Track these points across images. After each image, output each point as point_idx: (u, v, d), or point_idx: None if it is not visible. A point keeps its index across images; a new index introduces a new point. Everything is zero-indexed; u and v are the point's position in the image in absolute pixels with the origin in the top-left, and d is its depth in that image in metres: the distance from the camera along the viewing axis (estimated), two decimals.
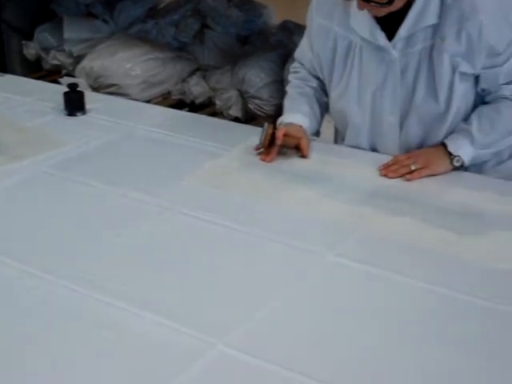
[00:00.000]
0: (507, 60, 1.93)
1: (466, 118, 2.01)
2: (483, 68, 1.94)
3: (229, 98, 4.22)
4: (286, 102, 2.24)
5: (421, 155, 2.00)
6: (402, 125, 2.06)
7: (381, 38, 1.97)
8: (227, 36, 4.65)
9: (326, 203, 1.86)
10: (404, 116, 2.04)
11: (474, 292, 1.50)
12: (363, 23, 1.98)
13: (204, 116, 2.38)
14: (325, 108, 2.23)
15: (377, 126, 2.10)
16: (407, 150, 2.07)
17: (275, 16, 5.01)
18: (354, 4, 1.91)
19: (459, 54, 1.92)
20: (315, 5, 2.10)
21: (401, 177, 1.97)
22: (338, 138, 2.31)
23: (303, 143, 2.08)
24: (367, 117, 2.09)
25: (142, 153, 2.17)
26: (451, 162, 1.98)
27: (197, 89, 4.37)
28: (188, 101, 4.40)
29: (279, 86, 4.11)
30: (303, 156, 2.08)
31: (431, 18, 1.91)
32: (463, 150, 1.98)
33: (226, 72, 4.31)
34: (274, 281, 1.55)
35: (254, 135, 2.11)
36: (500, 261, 1.62)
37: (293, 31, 4.54)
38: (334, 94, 2.13)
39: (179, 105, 4.37)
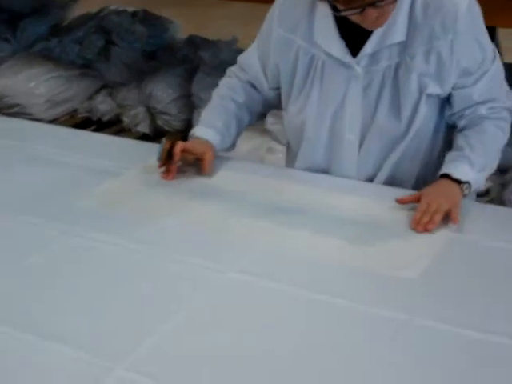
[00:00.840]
0: (479, 79, 1.90)
1: (424, 141, 1.97)
2: (454, 89, 1.91)
3: (136, 115, 4.19)
4: (205, 112, 2.18)
5: (438, 196, 1.82)
6: (361, 143, 1.99)
7: (345, 53, 1.91)
8: (133, 52, 4.62)
9: (225, 220, 1.85)
10: (364, 134, 1.98)
11: (377, 302, 1.51)
12: (327, 38, 1.92)
13: (105, 135, 2.35)
14: (244, 125, 2.18)
15: (335, 145, 2.02)
16: (363, 170, 2.02)
17: (181, 31, 5.00)
18: (319, 17, 1.89)
19: (428, 75, 1.88)
20: (277, 16, 2.00)
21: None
22: (289, 157, 2.22)
23: (205, 159, 2.04)
24: (325, 134, 2.02)
25: (39, 175, 2.12)
26: (461, 191, 1.87)
27: (103, 106, 4.32)
28: (95, 118, 4.35)
29: (187, 100, 4.11)
30: (203, 173, 2.05)
31: (398, 36, 1.86)
32: (470, 176, 1.87)
33: (133, 88, 4.28)
34: (174, 298, 1.54)
35: (152, 156, 2.07)
36: (397, 269, 1.64)
37: (199, 46, 4.55)
38: (292, 109, 2.05)
39: (86, 123, 4.33)
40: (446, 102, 1.96)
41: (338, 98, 1.96)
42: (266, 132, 3.72)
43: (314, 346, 1.40)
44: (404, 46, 1.87)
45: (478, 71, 1.90)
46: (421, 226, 1.78)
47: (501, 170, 3.33)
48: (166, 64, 4.42)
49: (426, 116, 1.93)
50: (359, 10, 1.74)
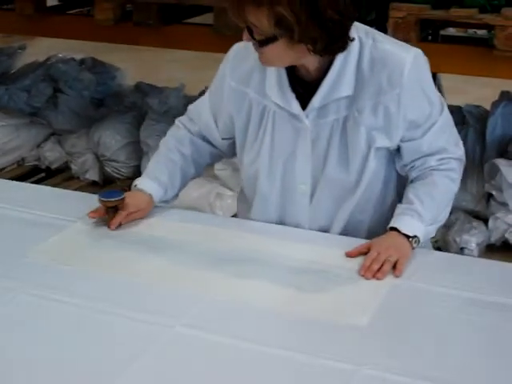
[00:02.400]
0: (427, 131, 1.93)
1: (375, 192, 1.99)
2: (403, 141, 1.93)
3: (85, 162, 4.18)
4: (150, 163, 2.20)
5: (388, 246, 1.86)
6: (312, 194, 2.01)
7: (294, 105, 1.92)
8: (81, 99, 4.62)
9: (174, 272, 1.85)
10: (315, 186, 1.99)
11: (325, 352, 1.52)
12: (278, 89, 1.93)
13: (49, 187, 2.33)
14: (189, 178, 2.20)
15: (287, 195, 2.04)
16: (316, 221, 2.03)
17: (129, 77, 5.03)
18: (270, 69, 1.91)
19: (376, 128, 1.90)
20: (229, 68, 2.02)
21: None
22: (242, 206, 2.21)
23: (136, 214, 2.07)
24: (277, 186, 2.03)
25: None
26: (410, 244, 1.89)
27: (52, 154, 4.31)
28: (43, 166, 4.33)
29: (136, 147, 4.12)
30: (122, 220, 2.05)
31: (346, 90, 1.87)
32: (418, 230, 1.90)
33: (82, 135, 4.28)
34: (122, 355, 1.52)
35: (99, 205, 2.07)
36: (346, 316, 1.65)
37: (147, 92, 4.57)
38: (246, 160, 2.07)
39: (34, 171, 4.30)
40: (396, 153, 1.99)
41: (289, 148, 1.98)
42: (214, 178, 3.74)
43: None
44: (352, 100, 1.89)
45: (425, 123, 1.92)
46: (370, 272, 1.80)
47: None
48: (114, 111, 4.43)
49: (375, 168, 1.95)
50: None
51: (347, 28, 1.81)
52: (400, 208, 1.95)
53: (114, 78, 4.92)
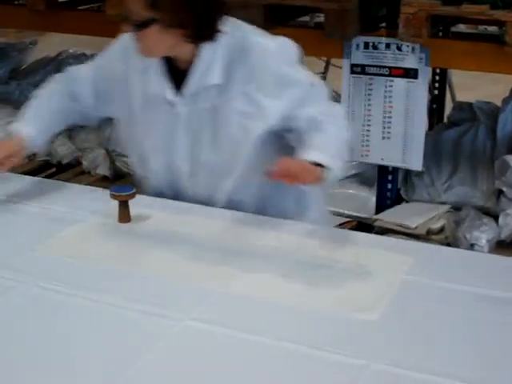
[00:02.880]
0: (301, 108, 2.04)
1: (253, 173, 2.10)
2: (282, 121, 2.05)
3: (96, 157, 4.19)
4: (25, 110, 2.26)
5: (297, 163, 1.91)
6: (192, 171, 2.16)
7: (169, 92, 2.07)
8: None
9: (185, 265, 1.86)
10: (193, 164, 2.14)
11: (335, 347, 1.52)
12: (153, 74, 2.08)
13: (60, 182, 2.34)
14: (60, 128, 2.33)
15: (174, 172, 2.19)
16: (199, 196, 2.18)
17: None
18: (151, 60, 2.05)
19: (248, 115, 2.03)
20: (120, 52, 2.16)
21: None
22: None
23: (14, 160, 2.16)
24: (164, 165, 2.18)
25: None
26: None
27: (63, 149, 4.31)
28: (54, 161, 4.32)
29: None
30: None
31: (214, 79, 2.02)
32: (323, 159, 1.91)
33: (92, 131, 4.27)
34: (131, 349, 1.53)
35: (110, 200, 2.08)
36: (357, 311, 1.66)
37: None
38: (132, 141, 2.23)
39: (45, 166, 4.30)
40: (278, 132, 2.08)
41: (168, 134, 2.13)
42: None
43: None
44: (222, 89, 2.03)
45: (298, 102, 2.04)
46: (277, 175, 1.83)
47: (455, 208, 3.39)
48: None
49: (251, 151, 2.08)
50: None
51: (216, 17, 1.98)
52: (300, 153, 1.95)
53: None
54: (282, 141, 2.11)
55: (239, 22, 2.07)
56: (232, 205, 2.16)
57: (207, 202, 2.18)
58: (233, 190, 2.16)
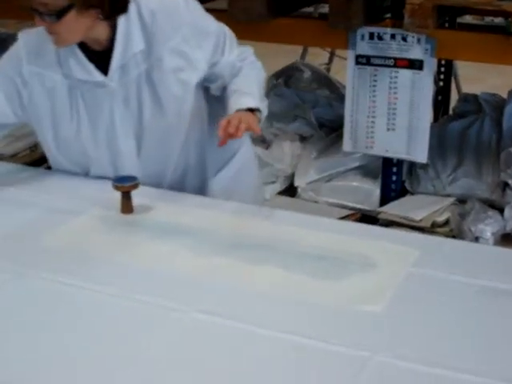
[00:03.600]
0: (222, 52, 2.19)
1: (198, 129, 2.24)
2: (209, 68, 2.17)
3: None
4: None
5: (236, 115, 2.06)
6: (139, 147, 2.18)
7: (96, 74, 2.08)
8: None
9: (187, 256, 1.85)
10: (140, 138, 2.16)
11: (338, 338, 1.51)
12: (75, 64, 2.08)
13: (63, 173, 2.32)
14: None
15: (117, 154, 2.19)
16: (148, 171, 2.19)
17: None
18: (64, 49, 2.06)
19: (180, 69, 2.11)
20: (25, 53, 2.12)
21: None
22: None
23: None
24: (104, 149, 2.18)
25: (2, 215, 2.09)
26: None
27: None
28: None
29: None
30: None
31: (137, 45, 2.06)
32: (253, 103, 2.11)
33: None
34: (136, 341, 1.52)
35: (113, 191, 2.06)
36: (361, 303, 1.64)
37: None
38: (65, 137, 2.19)
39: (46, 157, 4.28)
40: (207, 81, 2.20)
41: (106, 115, 2.13)
42: None
43: None
44: (148, 53, 2.07)
45: (218, 48, 2.17)
46: (224, 132, 1.98)
47: (460, 200, 3.38)
48: None
49: (195, 106, 2.17)
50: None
51: None
52: (231, 100, 2.13)
53: None
54: (209, 94, 2.24)
55: None
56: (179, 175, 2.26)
57: (156, 180, 2.22)
58: (179, 162, 2.24)
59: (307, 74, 4.34)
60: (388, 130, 3.21)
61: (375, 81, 3.15)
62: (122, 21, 2.04)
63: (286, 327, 1.55)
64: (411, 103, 3.12)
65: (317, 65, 4.70)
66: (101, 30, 2.03)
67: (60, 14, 1.91)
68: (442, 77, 4.35)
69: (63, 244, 1.91)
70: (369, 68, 3.14)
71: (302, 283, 1.73)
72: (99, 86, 2.09)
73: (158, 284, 1.73)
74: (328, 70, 5.08)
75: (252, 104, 2.09)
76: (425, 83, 3.07)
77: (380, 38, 3.05)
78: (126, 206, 2.05)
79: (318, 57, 5.23)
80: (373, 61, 3.12)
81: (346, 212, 3.43)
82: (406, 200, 3.42)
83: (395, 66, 3.09)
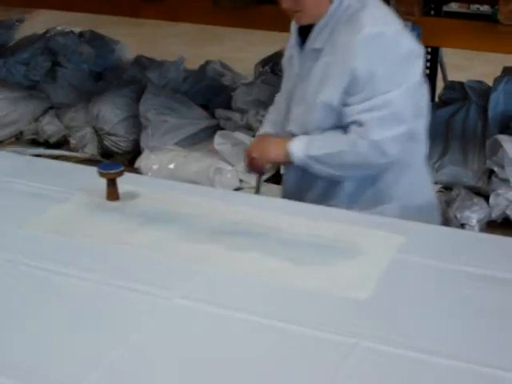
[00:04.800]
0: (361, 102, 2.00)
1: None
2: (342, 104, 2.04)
3: (83, 136, 4.16)
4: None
5: (263, 141, 2.21)
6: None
7: (296, 48, 2.12)
8: (80, 72, 4.59)
9: (173, 243, 1.84)
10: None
11: (323, 324, 1.51)
12: (295, 33, 2.14)
13: (47, 160, 2.31)
14: None
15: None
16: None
17: (128, 51, 4.99)
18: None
19: (321, 81, 2.04)
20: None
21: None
22: None
23: None
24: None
25: None
26: (286, 156, 2.10)
27: (50, 128, 4.28)
28: (42, 140, 4.30)
29: (135, 121, 4.09)
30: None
31: (319, 43, 2.04)
32: (297, 151, 2.07)
33: (80, 109, 4.25)
34: (122, 327, 1.52)
35: (98, 178, 2.05)
36: (346, 290, 1.64)
37: (146, 66, 4.54)
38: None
39: (33, 145, 4.27)
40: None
41: (290, 86, 2.19)
42: (214, 152, 3.72)
43: (263, 372, 1.39)
44: (318, 53, 2.05)
45: (360, 94, 2.01)
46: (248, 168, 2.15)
47: (446, 188, 3.39)
48: (114, 85, 4.39)
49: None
50: None
51: None
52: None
53: (114, 51, 4.89)
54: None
55: None
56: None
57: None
58: None
59: None
60: None
61: None
62: (336, 0, 2.00)
63: (271, 314, 1.55)
64: None
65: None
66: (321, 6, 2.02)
67: None
68: (428, 64, 4.35)
69: (48, 230, 1.90)
70: None
71: (288, 270, 1.73)
72: (291, 60, 2.16)
73: (143, 270, 1.72)
74: None
75: (293, 149, 2.09)
76: None
77: None
78: (112, 193, 2.04)
79: None
80: None
81: None
82: None
83: None
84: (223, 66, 4.67)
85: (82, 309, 1.59)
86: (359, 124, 2.01)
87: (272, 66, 4.33)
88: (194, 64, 4.66)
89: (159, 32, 6.45)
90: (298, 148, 2.08)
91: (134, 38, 5.79)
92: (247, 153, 2.21)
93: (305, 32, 2.07)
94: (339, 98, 2.02)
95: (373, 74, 1.96)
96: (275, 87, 4.02)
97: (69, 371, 1.39)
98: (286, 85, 2.22)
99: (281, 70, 4.16)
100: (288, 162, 2.13)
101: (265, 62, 4.39)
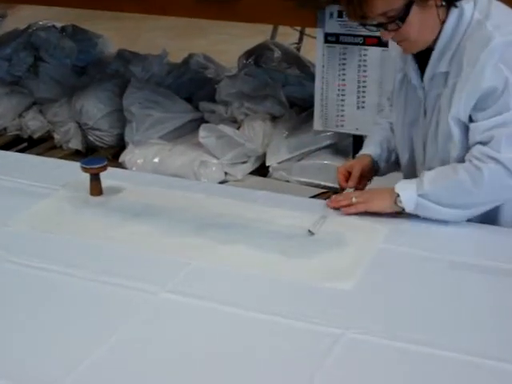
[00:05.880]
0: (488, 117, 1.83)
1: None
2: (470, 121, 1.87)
3: (67, 131, 4.15)
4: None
5: (366, 191, 2.03)
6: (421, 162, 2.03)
7: (414, 76, 1.94)
8: (62, 67, 4.56)
9: (158, 238, 1.84)
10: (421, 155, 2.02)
11: (309, 315, 1.52)
12: (408, 60, 1.95)
13: (31, 155, 2.30)
14: None
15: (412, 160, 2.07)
16: None
17: (111, 45, 4.97)
18: None
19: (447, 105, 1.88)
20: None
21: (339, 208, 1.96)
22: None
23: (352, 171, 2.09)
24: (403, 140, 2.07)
25: None
26: (395, 203, 1.89)
27: (34, 123, 4.26)
28: (25, 136, 4.28)
29: (119, 115, 4.08)
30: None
31: (443, 66, 1.87)
32: (405, 192, 1.88)
33: (64, 104, 4.23)
34: (108, 322, 1.52)
35: (82, 173, 2.05)
36: (332, 281, 1.65)
37: (129, 60, 4.52)
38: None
39: (17, 141, 4.26)
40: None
41: (412, 116, 2.00)
42: (198, 146, 3.72)
43: (251, 365, 1.40)
44: (447, 76, 1.87)
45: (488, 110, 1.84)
46: (331, 201, 1.96)
47: None
48: (97, 79, 4.38)
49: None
50: (374, 27, 1.81)
51: None
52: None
53: (96, 45, 4.86)
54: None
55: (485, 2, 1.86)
56: None
57: None
58: None
59: (277, 53, 4.35)
60: (358, 108, 3.22)
61: (344, 59, 3.15)
62: (452, 18, 1.82)
63: (257, 305, 1.56)
64: (380, 81, 3.13)
65: (287, 44, 4.70)
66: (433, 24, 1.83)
67: (403, 16, 1.76)
68: None
69: (32, 227, 1.90)
70: (338, 46, 3.14)
71: (274, 262, 1.74)
72: (414, 87, 1.96)
73: (128, 265, 1.72)
74: (298, 49, 5.07)
75: (399, 190, 1.88)
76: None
77: None
78: (95, 188, 2.03)
79: (288, 36, 5.22)
80: (342, 39, 3.12)
81: (317, 191, 3.44)
82: (378, 178, 3.42)
83: (364, 43, 3.10)
84: (206, 58, 4.66)
85: (68, 304, 1.59)
86: (484, 143, 1.82)
87: (255, 59, 4.32)
88: (177, 57, 4.65)
89: (142, 26, 6.42)
90: (407, 188, 1.88)
91: (117, 32, 5.77)
92: (348, 193, 2.02)
93: (422, 54, 1.90)
94: (467, 115, 1.84)
95: (505, 87, 1.79)
96: (259, 79, 4.06)
97: (55, 366, 1.39)
98: (403, 114, 2.04)
99: (265, 62, 4.21)
100: (398, 212, 1.91)
101: (248, 55, 4.38)
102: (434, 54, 1.87)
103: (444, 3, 1.80)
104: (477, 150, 1.83)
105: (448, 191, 1.86)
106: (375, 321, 1.51)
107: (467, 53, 1.82)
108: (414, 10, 1.77)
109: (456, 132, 1.87)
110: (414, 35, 1.82)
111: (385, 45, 3.02)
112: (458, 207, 1.87)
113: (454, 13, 1.82)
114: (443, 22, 1.83)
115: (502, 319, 1.53)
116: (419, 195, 1.86)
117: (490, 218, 1.93)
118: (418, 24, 1.79)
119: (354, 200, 1.94)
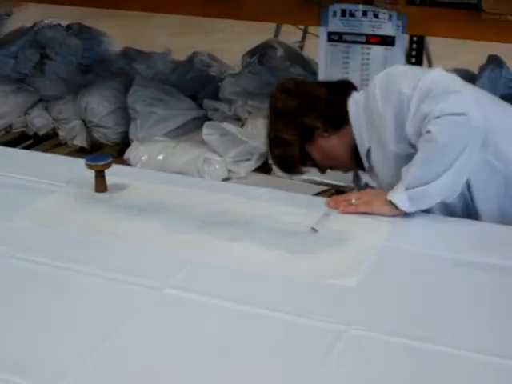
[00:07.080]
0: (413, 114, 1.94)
1: None
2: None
3: (72, 128, 4.16)
4: None
5: (367, 193, 2.06)
6: None
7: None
8: (68, 65, 4.58)
9: (162, 234, 1.86)
10: None
11: (312, 312, 1.53)
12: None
13: (37, 152, 2.32)
14: None
15: None
16: None
17: (116, 43, 4.99)
18: None
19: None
20: None
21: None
22: None
23: None
24: None
25: None
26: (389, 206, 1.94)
27: (39, 120, 4.28)
28: (31, 133, 4.30)
29: (123, 113, 4.10)
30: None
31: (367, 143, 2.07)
32: (395, 195, 1.93)
33: (69, 102, 4.25)
34: (111, 317, 1.53)
35: (87, 170, 2.07)
36: (336, 278, 1.66)
37: (134, 58, 4.54)
38: None
39: (22, 138, 4.27)
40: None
41: None
42: (202, 143, 3.73)
43: (253, 361, 1.41)
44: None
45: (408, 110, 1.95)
46: (331, 201, 2.02)
47: None
48: (101, 77, 4.39)
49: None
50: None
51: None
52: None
53: (101, 43, 4.88)
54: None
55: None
56: None
57: None
58: None
59: (280, 51, 4.36)
60: None
61: (347, 57, 3.16)
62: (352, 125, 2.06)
63: (260, 302, 1.57)
64: None
65: (290, 43, 4.71)
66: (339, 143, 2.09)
67: (303, 157, 2.08)
68: (413, 53, 4.36)
69: (37, 223, 1.91)
70: (341, 45, 3.15)
71: (278, 259, 1.75)
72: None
73: (132, 261, 1.74)
74: (301, 47, 5.08)
75: (391, 196, 1.93)
76: (396, 59, 3.09)
77: (352, 14, 3.06)
78: (100, 185, 2.05)
79: (291, 35, 5.23)
80: (345, 37, 3.13)
81: (320, 188, 3.45)
82: None
83: (367, 42, 3.11)
84: (210, 57, 4.67)
85: (72, 300, 1.60)
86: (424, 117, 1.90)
87: (259, 57, 4.33)
88: (181, 55, 4.66)
89: (146, 24, 6.43)
90: (395, 192, 1.94)
91: (121, 30, 5.78)
92: (350, 193, 2.14)
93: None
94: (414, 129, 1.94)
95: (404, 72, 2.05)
96: (262, 77, 4.07)
97: (59, 361, 1.40)
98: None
99: (268, 61, 4.22)
100: (396, 213, 1.94)
101: (252, 53, 4.40)
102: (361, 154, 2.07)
103: (329, 131, 2.06)
104: (423, 128, 1.89)
105: (423, 166, 1.91)
106: (378, 317, 1.52)
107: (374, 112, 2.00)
108: (308, 148, 2.06)
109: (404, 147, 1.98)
110: (330, 163, 2.13)
111: (388, 43, 3.05)
112: (441, 173, 1.88)
113: (347, 129, 2.06)
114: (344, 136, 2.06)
115: (503, 316, 1.54)
116: (405, 189, 1.91)
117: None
118: (321, 155, 2.08)
119: (353, 202, 1.98)
